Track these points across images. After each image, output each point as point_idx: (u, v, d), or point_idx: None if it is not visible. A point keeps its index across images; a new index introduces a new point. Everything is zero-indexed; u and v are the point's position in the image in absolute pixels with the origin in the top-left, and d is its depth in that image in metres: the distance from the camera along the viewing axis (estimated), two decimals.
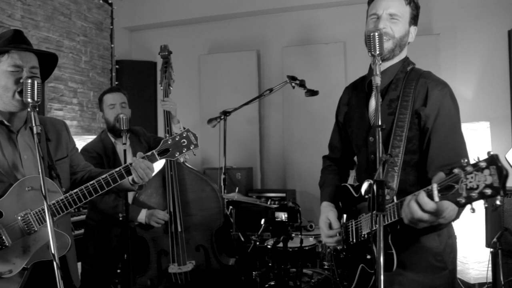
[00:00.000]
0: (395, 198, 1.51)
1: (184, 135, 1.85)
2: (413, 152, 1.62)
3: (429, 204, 1.27)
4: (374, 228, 1.35)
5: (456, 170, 1.15)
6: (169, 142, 1.85)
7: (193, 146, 1.85)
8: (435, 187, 1.23)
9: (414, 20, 1.72)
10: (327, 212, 1.82)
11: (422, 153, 1.62)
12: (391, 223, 1.47)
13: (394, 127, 1.60)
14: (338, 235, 1.78)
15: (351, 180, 2.08)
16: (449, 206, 1.30)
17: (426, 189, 1.29)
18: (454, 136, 1.58)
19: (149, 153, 1.84)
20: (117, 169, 1.82)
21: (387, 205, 1.47)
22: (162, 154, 1.84)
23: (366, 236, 1.62)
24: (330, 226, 1.80)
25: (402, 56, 1.73)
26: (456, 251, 1.68)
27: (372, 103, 1.73)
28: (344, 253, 1.80)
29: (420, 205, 1.30)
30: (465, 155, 1.56)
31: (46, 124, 1.94)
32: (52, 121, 2.02)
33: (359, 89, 1.86)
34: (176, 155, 1.84)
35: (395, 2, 1.67)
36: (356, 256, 1.71)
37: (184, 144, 1.84)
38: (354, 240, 1.70)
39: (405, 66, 1.71)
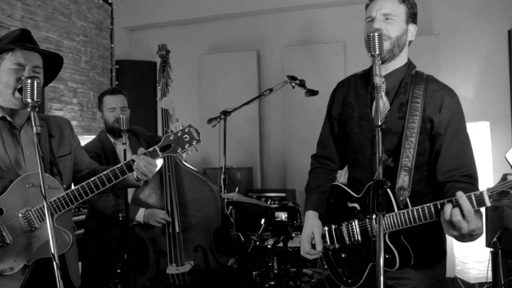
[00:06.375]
0: (408, 199, 1.59)
1: (186, 130, 1.82)
2: (420, 155, 1.67)
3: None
4: (392, 230, 1.54)
5: (510, 177, 1.28)
6: (171, 138, 1.82)
7: (195, 141, 1.81)
8: (485, 193, 1.34)
9: (411, 18, 1.72)
10: (313, 227, 1.85)
11: (430, 156, 1.69)
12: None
13: (405, 130, 1.65)
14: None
15: (343, 179, 2.08)
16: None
17: (474, 194, 1.37)
18: (464, 142, 1.67)
19: (150, 149, 1.82)
20: (119, 165, 1.80)
21: (407, 208, 1.55)
22: (164, 150, 1.81)
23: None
24: (312, 243, 1.83)
25: (404, 58, 1.75)
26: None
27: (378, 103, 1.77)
28: (345, 253, 1.81)
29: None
30: (473, 160, 1.67)
31: (50, 121, 1.95)
32: (55, 119, 2.03)
33: (358, 87, 1.85)
34: (178, 151, 1.81)
35: (387, 2, 1.68)
36: (363, 255, 1.74)
37: (187, 139, 1.81)
38: (360, 240, 1.73)
39: (411, 70, 1.75)
